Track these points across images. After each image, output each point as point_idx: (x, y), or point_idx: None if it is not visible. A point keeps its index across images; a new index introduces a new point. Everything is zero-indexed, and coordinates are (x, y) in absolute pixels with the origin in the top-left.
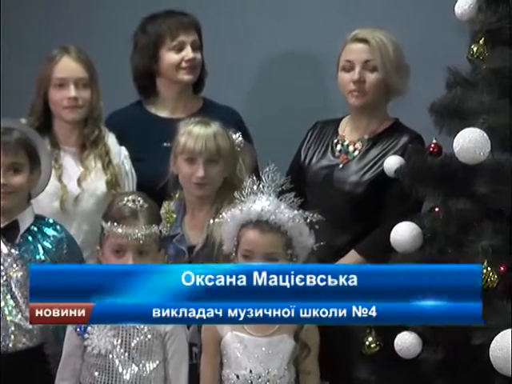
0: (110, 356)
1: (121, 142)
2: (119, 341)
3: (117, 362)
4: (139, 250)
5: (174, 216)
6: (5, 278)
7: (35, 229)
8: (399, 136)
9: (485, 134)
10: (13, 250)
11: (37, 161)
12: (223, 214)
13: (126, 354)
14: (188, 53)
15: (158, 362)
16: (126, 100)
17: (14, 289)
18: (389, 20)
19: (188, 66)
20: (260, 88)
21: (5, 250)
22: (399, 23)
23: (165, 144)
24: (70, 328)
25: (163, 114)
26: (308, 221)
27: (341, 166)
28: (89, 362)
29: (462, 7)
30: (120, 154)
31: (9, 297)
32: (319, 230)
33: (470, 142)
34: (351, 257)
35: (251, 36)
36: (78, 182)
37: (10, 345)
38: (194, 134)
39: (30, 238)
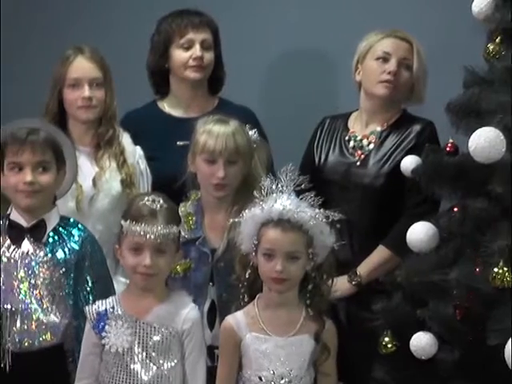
0: (128, 354)
1: (136, 141)
2: (137, 339)
3: (134, 360)
4: (157, 249)
5: (194, 219)
6: (32, 276)
7: (61, 228)
8: (411, 125)
9: (500, 134)
10: (39, 249)
11: (62, 161)
12: (243, 213)
13: (144, 353)
14: (196, 51)
15: (175, 361)
16: (142, 100)
17: (40, 287)
18: (405, 19)
19: (195, 64)
20: (275, 87)
21: (31, 249)
22: (416, 22)
23: (179, 143)
24: (88, 326)
25: (177, 113)
26: (329, 220)
27: (358, 163)
28: (107, 361)
29: (478, 6)
30: (135, 153)
31: (34, 295)
32: (340, 225)
33: (485, 142)
34: (380, 252)
35: (265, 35)
36: (93, 182)
37: (36, 342)
38: (213, 133)
39: (56, 237)
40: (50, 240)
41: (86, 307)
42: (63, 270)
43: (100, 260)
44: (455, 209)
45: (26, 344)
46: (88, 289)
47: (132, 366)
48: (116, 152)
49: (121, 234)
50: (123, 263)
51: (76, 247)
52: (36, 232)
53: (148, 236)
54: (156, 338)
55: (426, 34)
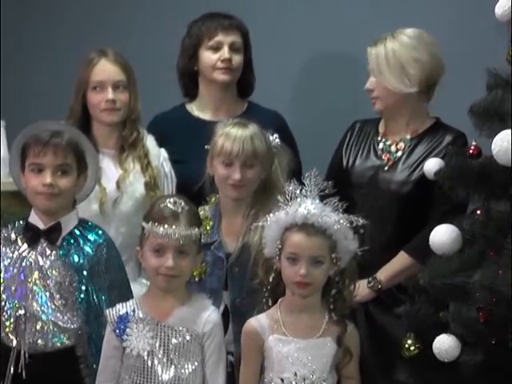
0: (149, 357)
1: (164, 143)
2: (158, 342)
3: (155, 363)
4: (179, 251)
5: (211, 223)
6: (45, 278)
7: (77, 232)
8: (443, 135)
9: None
10: (53, 252)
11: (84, 166)
12: (267, 217)
13: (165, 356)
14: (224, 53)
15: (196, 364)
16: (171, 103)
17: (52, 290)
18: (429, 21)
19: (223, 66)
20: (305, 91)
21: (46, 251)
22: (439, 24)
23: (207, 146)
24: (108, 329)
25: (205, 116)
26: (353, 225)
27: (386, 167)
28: (127, 364)
29: (501, 8)
30: (159, 155)
31: (47, 297)
32: (364, 230)
33: (508, 144)
34: (402, 258)
35: (296, 38)
36: (117, 185)
37: (49, 344)
38: (231, 135)
39: (71, 240)
40: (65, 243)
41: (107, 310)
42: (76, 274)
43: (117, 266)
44: (478, 211)
45: (39, 346)
46: (102, 295)
47: (153, 369)
48: (140, 154)
49: (142, 236)
50: (145, 265)
51: (90, 252)
52: (51, 235)
53: (170, 237)
54: (177, 340)
55: (449, 37)
